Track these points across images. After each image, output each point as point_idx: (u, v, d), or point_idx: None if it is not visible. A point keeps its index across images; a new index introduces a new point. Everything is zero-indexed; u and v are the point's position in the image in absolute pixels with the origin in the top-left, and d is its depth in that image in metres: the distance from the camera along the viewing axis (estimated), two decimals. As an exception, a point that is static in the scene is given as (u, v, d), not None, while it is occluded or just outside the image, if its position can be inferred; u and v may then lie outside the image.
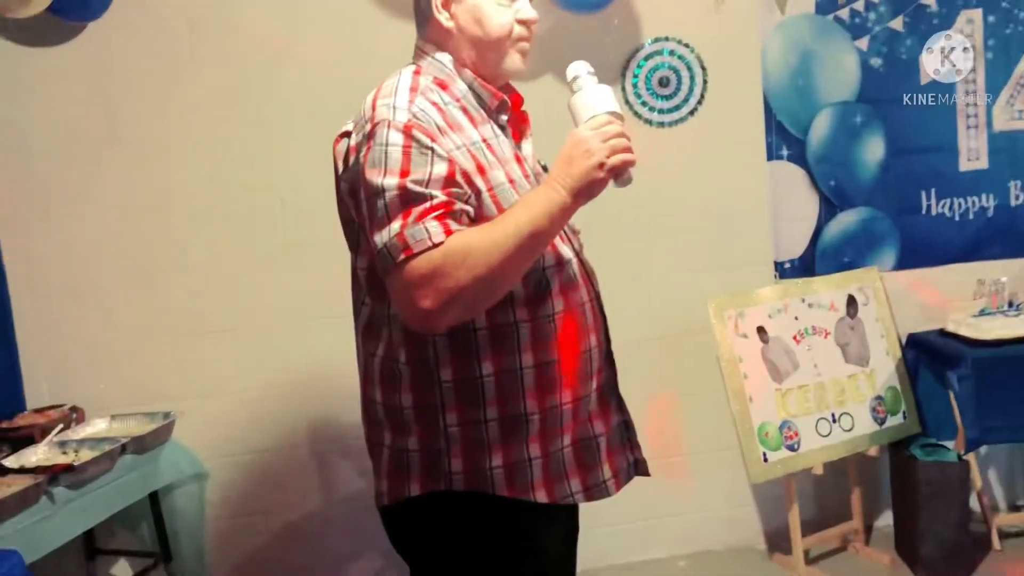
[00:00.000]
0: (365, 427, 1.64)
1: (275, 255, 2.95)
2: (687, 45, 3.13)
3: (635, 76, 3.12)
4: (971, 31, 3.23)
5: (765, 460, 2.95)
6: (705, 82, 3.15)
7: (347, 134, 1.53)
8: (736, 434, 2.97)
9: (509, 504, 1.51)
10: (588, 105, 1.47)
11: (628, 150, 1.44)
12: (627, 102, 3.09)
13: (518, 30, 1.57)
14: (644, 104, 3.12)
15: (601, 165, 1.41)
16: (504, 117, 1.60)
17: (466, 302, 1.38)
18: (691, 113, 3.16)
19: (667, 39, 3.12)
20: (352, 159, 1.47)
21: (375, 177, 1.38)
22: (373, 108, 1.45)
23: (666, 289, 3.15)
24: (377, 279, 1.47)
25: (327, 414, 3.02)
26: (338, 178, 1.55)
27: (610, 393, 1.66)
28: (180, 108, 2.89)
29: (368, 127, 1.43)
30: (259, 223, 2.95)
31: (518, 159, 1.57)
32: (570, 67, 1.55)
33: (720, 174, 3.17)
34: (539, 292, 1.50)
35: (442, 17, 1.55)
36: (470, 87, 1.56)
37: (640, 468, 1.71)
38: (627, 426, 1.70)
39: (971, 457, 3.07)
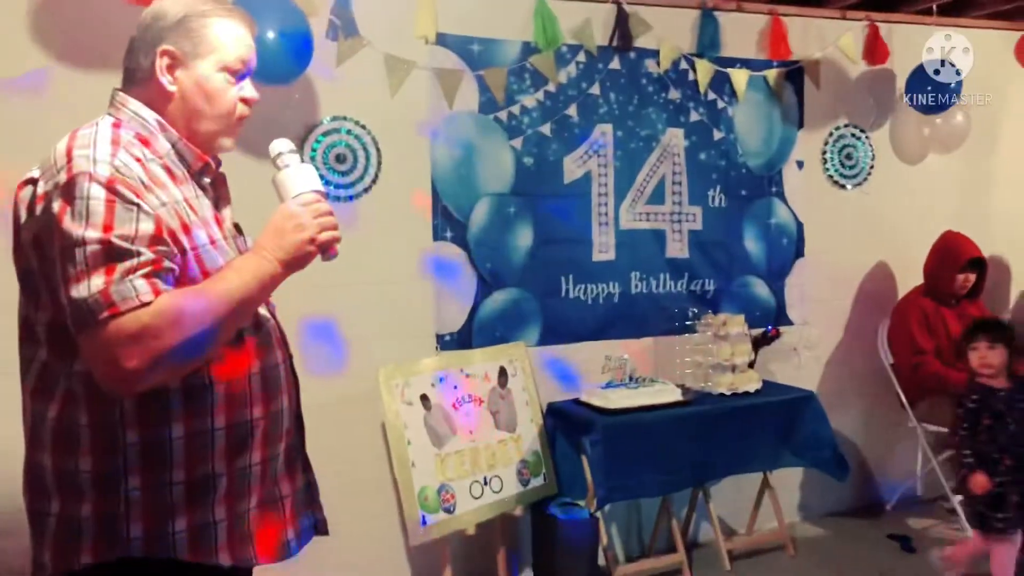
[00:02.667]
0: (27, 496, 1.51)
1: None
2: (363, 126, 3.31)
3: (313, 151, 3.22)
4: (605, 142, 3.77)
5: (424, 523, 3.09)
6: (380, 163, 3.33)
7: (32, 181, 1.45)
8: (397, 498, 3.08)
9: (191, 569, 1.48)
10: (295, 182, 1.56)
11: (335, 227, 1.54)
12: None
13: (240, 108, 1.60)
14: (321, 178, 3.20)
15: (312, 240, 1.51)
16: (206, 179, 1.62)
17: (174, 363, 1.37)
18: (366, 191, 3.32)
19: (345, 118, 3.27)
20: (40, 208, 1.40)
21: (75, 230, 1.33)
22: (69, 158, 1.39)
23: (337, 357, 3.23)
24: (60, 334, 1.40)
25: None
26: (18, 226, 1.46)
27: (298, 454, 1.70)
28: None
29: (63, 177, 1.37)
30: None
31: (218, 221, 1.59)
32: (273, 144, 1.61)
33: (390, 250, 3.35)
34: (235, 352, 1.52)
35: (165, 80, 1.53)
36: (173, 146, 1.55)
37: (320, 528, 1.75)
38: (311, 486, 1.74)
39: (599, 514, 3.47)
